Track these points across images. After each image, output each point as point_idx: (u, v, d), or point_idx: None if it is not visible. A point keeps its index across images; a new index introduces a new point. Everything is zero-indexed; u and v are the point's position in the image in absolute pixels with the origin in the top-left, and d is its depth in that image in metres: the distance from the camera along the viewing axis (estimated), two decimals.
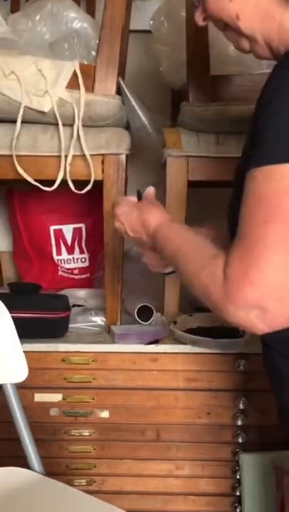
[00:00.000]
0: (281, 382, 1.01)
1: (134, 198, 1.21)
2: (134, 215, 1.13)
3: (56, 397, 1.56)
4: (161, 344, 1.54)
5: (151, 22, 1.69)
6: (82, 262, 2.11)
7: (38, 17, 1.55)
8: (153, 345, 1.54)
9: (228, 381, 1.55)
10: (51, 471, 1.51)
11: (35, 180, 1.52)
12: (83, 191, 1.52)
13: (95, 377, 1.55)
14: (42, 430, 1.56)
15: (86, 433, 1.58)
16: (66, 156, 1.50)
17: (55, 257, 2.09)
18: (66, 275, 2.10)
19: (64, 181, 1.52)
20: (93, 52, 1.56)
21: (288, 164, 0.82)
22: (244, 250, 0.86)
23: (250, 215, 0.86)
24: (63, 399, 1.56)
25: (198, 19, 1.07)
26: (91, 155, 1.51)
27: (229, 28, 1.02)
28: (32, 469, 1.11)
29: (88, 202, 2.04)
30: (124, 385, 1.55)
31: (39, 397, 1.56)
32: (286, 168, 0.82)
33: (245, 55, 1.58)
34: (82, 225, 2.08)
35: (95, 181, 1.54)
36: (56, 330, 1.59)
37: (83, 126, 1.49)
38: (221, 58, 1.53)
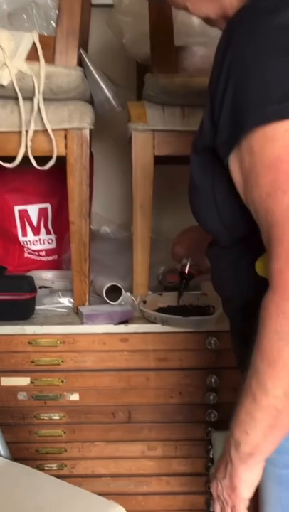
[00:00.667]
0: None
1: None
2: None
3: (24, 381, 1.52)
4: (131, 324, 1.51)
5: None
6: (49, 243, 2.05)
7: None
8: (123, 326, 1.50)
9: (199, 360, 1.52)
10: (21, 457, 1.47)
11: None
12: (45, 167, 1.46)
13: (63, 359, 1.51)
14: (10, 415, 1.52)
15: (56, 417, 1.54)
16: (27, 132, 1.44)
17: (21, 238, 2.03)
18: (33, 257, 2.05)
19: (26, 158, 1.46)
20: (53, 23, 1.49)
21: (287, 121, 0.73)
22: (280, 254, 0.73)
23: (269, 191, 0.74)
24: (31, 382, 1.52)
25: None
26: (53, 130, 1.45)
27: None
28: None
29: (53, 180, 1.98)
30: (93, 366, 1.52)
31: (6, 381, 1.52)
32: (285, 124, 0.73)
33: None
34: (47, 205, 2.02)
35: (59, 158, 1.49)
36: (22, 312, 1.55)
37: (44, 99, 1.43)
38: (184, 29, 1.48)
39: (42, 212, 2.02)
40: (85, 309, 1.53)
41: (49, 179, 2.00)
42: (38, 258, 2.05)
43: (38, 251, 2.04)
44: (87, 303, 1.60)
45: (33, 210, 2.01)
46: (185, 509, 1.59)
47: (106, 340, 1.51)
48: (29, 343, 1.50)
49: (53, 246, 2.06)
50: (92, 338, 1.51)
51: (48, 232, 2.05)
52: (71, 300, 1.64)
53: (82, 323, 1.51)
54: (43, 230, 2.03)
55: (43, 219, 2.03)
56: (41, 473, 1.00)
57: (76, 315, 1.59)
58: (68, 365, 1.51)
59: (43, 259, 2.05)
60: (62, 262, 2.01)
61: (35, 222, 2.02)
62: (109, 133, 1.84)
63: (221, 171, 0.84)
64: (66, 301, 1.63)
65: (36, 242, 2.04)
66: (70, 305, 1.63)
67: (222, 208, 0.88)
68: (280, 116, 0.74)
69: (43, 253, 2.05)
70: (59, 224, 2.04)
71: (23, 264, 2.02)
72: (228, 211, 0.88)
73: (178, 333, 1.51)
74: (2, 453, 1.07)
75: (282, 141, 0.74)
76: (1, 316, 1.52)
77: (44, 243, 2.05)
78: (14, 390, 1.52)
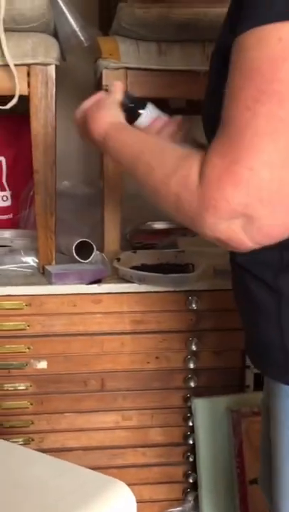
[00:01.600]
0: (255, 312, 0.85)
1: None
2: (94, 107, 0.94)
3: None
4: (104, 284, 1.37)
5: None
6: (3, 200, 1.88)
7: None
8: (95, 285, 1.36)
9: (178, 321, 1.41)
10: None
11: None
12: (7, 106, 1.29)
13: (29, 323, 1.36)
14: None
15: (21, 387, 1.39)
16: None
17: None
18: None
19: None
20: None
21: (287, 23, 0.64)
22: (227, 142, 0.68)
23: (235, 96, 0.67)
24: None
25: None
26: (15, 65, 1.28)
27: None
28: None
29: (8, 131, 1.81)
30: (63, 331, 1.38)
31: None
32: (285, 28, 0.64)
33: None
34: (2, 158, 1.84)
35: (19, 99, 1.32)
36: None
37: (5, 30, 1.25)
38: None
39: None
40: (53, 268, 1.39)
41: (4, 128, 1.82)
42: None
43: None
44: (53, 262, 1.45)
45: None
46: (162, 481, 1.49)
47: (77, 302, 1.37)
48: None
49: (7, 204, 1.89)
50: (62, 299, 1.36)
51: (2, 189, 1.88)
52: (35, 259, 1.48)
53: (49, 283, 1.36)
54: None
55: None
56: (22, 448, 0.87)
57: (42, 275, 1.43)
58: (35, 329, 1.37)
59: None
60: (19, 221, 1.84)
61: None
62: (70, 74, 1.67)
63: None
64: (30, 260, 1.48)
65: None
66: (35, 264, 1.47)
67: None
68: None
69: None
70: (14, 179, 1.87)
71: None
72: None
73: (155, 292, 1.38)
74: None
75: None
76: None
77: None
78: None
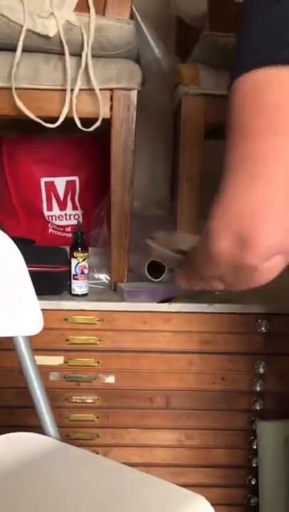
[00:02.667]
0: None
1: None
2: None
3: (57, 361, 1.41)
4: (174, 303, 1.40)
5: None
6: (75, 218, 1.94)
7: None
8: (166, 304, 1.39)
9: (246, 343, 1.42)
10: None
11: (37, 116, 1.35)
12: (91, 129, 1.34)
13: (100, 338, 1.40)
14: None
15: (89, 400, 1.43)
16: (72, 90, 1.33)
17: (46, 212, 1.91)
18: (57, 233, 1.93)
19: (60, 126, 1.34)
20: None
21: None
22: (228, 178, 0.67)
23: (231, 142, 0.67)
24: (65, 362, 1.41)
25: None
26: (100, 89, 1.34)
27: None
28: (47, 435, 0.96)
29: (83, 152, 1.87)
30: (132, 347, 1.41)
31: (38, 360, 1.38)
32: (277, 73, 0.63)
33: None
34: (75, 178, 1.90)
35: (93, 123, 1.37)
36: (57, 286, 1.44)
37: (92, 55, 1.31)
38: None
39: (69, 186, 1.91)
40: (125, 285, 1.42)
41: (78, 150, 1.88)
42: (63, 234, 1.93)
43: (64, 227, 1.93)
44: (125, 280, 1.48)
45: (60, 183, 1.89)
46: (223, 503, 1.49)
47: (147, 319, 1.40)
48: (65, 319, 1.39)
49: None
50: (132, 316, 1.40)
51: (74, 208, 1.94)
52: (107, 277, 1.53)
53: (121, 300, 1.40)
54: (69, 204, 1.92)
55: (70, 193, 1.91)
56: (100, 457, 0.90)
57: (114, 292, 1.47)
58: (105, 344, 1.41)
59: (68, 235, 1.94)
60: (90, 239, 1.90)
61: (61, 195, 1.91)
62: (147, 99, 1.72)
63: None
64: (103, 277, 1.52)
65: (62, 217, 1.93)
66: (107, 281, 1.52)
67: None
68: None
69: (69, 229, 1.93)
70: (86, 199, 1.93)
71: (47, 241, 1.90)
72: None
73: (225, 313, 1.40)
74: (52, 434, 0.96)
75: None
76: (34, 289, 1.40)
77: (70, 218, 1.93)
78: (46, 369, 1.41)
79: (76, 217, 1.94)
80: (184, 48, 1.51)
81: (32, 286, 0.95)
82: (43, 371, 1.41)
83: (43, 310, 1.39)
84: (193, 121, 1.42)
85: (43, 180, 1.88)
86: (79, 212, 1.94)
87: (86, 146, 1.86)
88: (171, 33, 1.77)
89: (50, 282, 1.42)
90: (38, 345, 1.38)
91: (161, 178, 1.94)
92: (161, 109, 1.66)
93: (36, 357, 1.41)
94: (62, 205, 1.92)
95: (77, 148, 1.87)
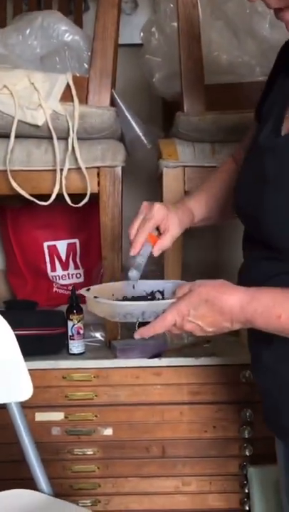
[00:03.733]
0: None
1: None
2: (204, 309, 0.88)
3: (58, 416, 1.52)
4: (164, 358, 1.52)
5: (141, 34, 1.68)
6: (77, 277, 2.08)
7: (28, 31, 1.53)
8: (156, 359, 1.51)
9: (233, 393, 1.52)
10: (55, 493, 1.47)
11: (30, 195, 1.50)
12: (80, 204, 1.49)
13: (97, 393, 1.52)
14: (44, 450, 1.50)
15: (89, 452, 1.54)
16: (61, 170, 1.48)
17: (50, 273, 2.05)
18: (61, 291, 2.07)
19: (57, 196, 1.50)
20: (85, 65, 1.54)
21: None
22: None
23: None
24: (65, 417, 1.52)
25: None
26: (86, 168, 1.49)
27: None
28: (40, 491, 1.07)
29: (81, 216, 2.01)
30: (127, 400, 1.52)
31: (40, 416, 1.52)
32: None
33: (237, 63, 1.58)
34: (76, 240, 2.05)
35: (90, 194, 1.52)
36: (56, 346, 1.56)
37: (78, 138, 1.47)
38: (213, 68, 1.52)
39: (70, 247, 2.05)
40: (118, 343, 1.55)
41: (77, 215, 2.03)
42: (67, 292, 2.06)
43: (67, 285, 2.06)
44: (119, 336, 1.61)
45: (61, 245, 2.04)
46: None
47: (139, 374, 1.51)
48: (63, 377, 1.51)
49: (81, 280, 2.09)
50: (126, 372, 1.51)
51: (76, 267, 2.07)
52: (103, 334, 1.65)
53: (115, 357, 1.52)
54: (71, 264, 2.06)
55: (71, 254, 2.06)
56: (87, 510, 1.00)
57: (108, 349, 1.60)
58: (102, 399, 1.52)
59: None
60: None
61: (63, 257, 2.05)
62: (138, 169, 1.87)
63: None
64: (98, 335, 1.65)
65: (65, 276, 2.06)
66: (102, 339, 1.64)
67: None
68: None
69: (71, 287, 2.07)
70: (87, 258, 2.07)
71: (52, 299, 2.04)
72: None
73: (211, 366, 1.51)
74: (45, 489, 1.07)
75: None
76: (33, 350, 1.52)
77: (72, 277, 2.07)
78: (48, 425, 1.53)
79: (78, 275, 2.08)
80: (171, 122, 1.65)
81: (21, 355, 1.06)
82: (46, 426, 1.53)
83: (43, 370, 1.53)
84: (173, 190, 1.56)
85: (45, 244, 2.03)
86: (80, 271, 2.08)
87: (84, 210, 1.99)
88: (156, 109, 1.93)
89: (49, 343, 1.55)
90: (39, 402, 1.51)
91: None
92: (148, 176, 1.81)
93: (38, 413, 1.55)
94: (65, 266, 2.06)
95: (76, 213, 2.01)
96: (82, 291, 1.00)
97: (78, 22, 1.94)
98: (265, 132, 0.96)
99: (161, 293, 1.04)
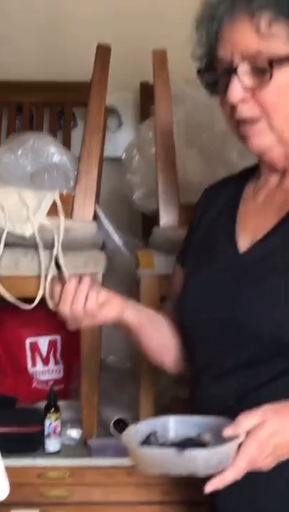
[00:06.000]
0: None
1: None
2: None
3: None
4: None
5: (124, 154, 1.86)
6: (57, 373, 2.15)
7: (20, 151, 1.70)
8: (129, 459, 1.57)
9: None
10: None
11: (16, 297, 1.61)
12: None
13: (71, 492, 1.57)
14: None
15: None
16: (46, 277, 1.60)
17: (30, 369, 2.13)
18: (41, 386, 2.13)
19: (42, 297, 1.61)
20: (72, 182, 1.70)
21: None
22: None
23: None
24: None
25: (236, 96, 0.95)
26: (69, 275, 1.61)
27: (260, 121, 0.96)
28: None
29: None
30: (100, 500, 1.57)
31: None
32: None
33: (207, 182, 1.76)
34: (57, 337, 2.14)
35: None
36: (32, 444, 1.62)
37: (62, 248, 1.60)
38: (187, 188, 1.68)
39: (52, 344, 2.14)
40: (93, 442, 1.62)
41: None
42: (46, 388, 2.14)
43: (47, 381, 2.13)
44: (95, 435, 1.68)
45: (43, 342, 2.13)
46: None
47: (113, 474, 1.58)
48: (38, 475, 1.56)
49: (60, 376, 2.16)
50: (100, 471, 1.58)
51: (56, 362, 2.15)
52: (79, 431, 1.72)
53: (90, 455, 1.59)
54: (52, 360, 2.14)
55: (52, 350, 2.14)
56: None
57: (84, 446, 1.66)
58: (76, 498, 1.57)
59: None
60: (69, 392, 2.10)
61: (44, 353, 2.13)
62: (118, 275, 2.01)
63: None
64: (74, 432, 1.71)
65: (45, 372, 2.14)
66: (78, 437, 1.71)
67: None
68: None
69: (51, 383, 2.14)
70: (67, 354, 2.15)
71: (32, 394, 2.10)
72: None
73: None
74: None
75: None
76: (10, 448, 1.57)
77: (52, 373, 2.15)
78: None
79: (58, 371, 2.16)
80: (149, 233, 1.80)
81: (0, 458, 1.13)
82: None
83: (19, 467, 1.59)
84: (150, 297, 1.68)
85: (28, 340, 2.12)
86: (60, 366, 2.16)
87: None
88: (136, 221, 2.10)
89: (26, 441, 1.61)
90: (15, 499, 1.55)
91: None
92: (127, 281, 1.94)
93: (14, 511, 1.58)
94: (46, 362, 2.14)
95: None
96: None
97: (67, 137, 2.13)
98: (220, 256, 1.06)
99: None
